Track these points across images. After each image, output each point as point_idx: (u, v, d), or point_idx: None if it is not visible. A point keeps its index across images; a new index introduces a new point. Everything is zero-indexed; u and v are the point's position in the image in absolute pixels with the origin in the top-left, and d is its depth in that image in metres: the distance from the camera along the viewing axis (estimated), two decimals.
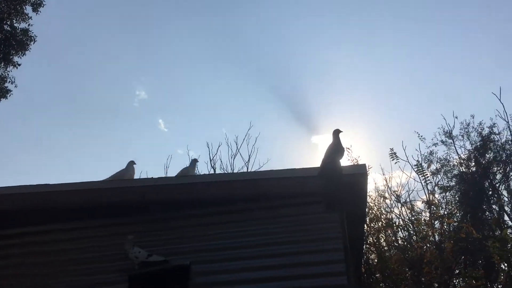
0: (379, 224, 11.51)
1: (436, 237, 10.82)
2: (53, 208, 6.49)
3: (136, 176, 7.45)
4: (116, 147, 27.02)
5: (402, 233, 11.85)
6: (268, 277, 5.66)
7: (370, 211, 11.55)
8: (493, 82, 25.18)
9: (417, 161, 11.45)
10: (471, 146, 16.68)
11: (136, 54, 27.13)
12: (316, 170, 5.68)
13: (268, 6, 26.84)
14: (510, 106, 23.15)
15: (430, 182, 11.70)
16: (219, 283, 5.76)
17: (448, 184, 15.69)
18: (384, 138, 24.44)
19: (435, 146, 16.96)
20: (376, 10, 24.71)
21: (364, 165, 6.21)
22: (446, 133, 16.72)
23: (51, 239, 6.57)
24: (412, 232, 11.53)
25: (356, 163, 10.75)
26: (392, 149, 11.05)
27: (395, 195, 12.01)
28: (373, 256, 11.59)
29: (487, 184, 16.12)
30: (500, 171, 16.37)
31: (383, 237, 11.61)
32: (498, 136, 16.36)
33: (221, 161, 14.74)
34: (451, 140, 16.73)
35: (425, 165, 12.08)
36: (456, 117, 18.16)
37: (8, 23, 17.37)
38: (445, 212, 13.23)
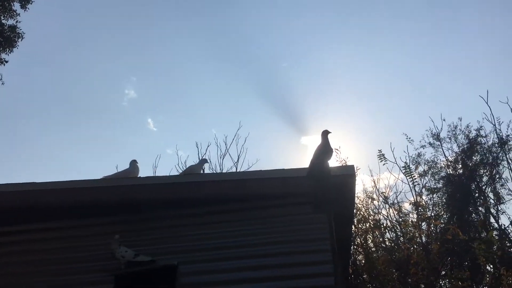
0: (367, 225, 11.59)
1: (423, 238, 10.92)
2: (39, 207, 6.41)
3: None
4: (104, 146, 26.78)
5: (390, 234, 11.95)
6: (255, 277, 5.65)
7: (358, 212, 11.62)
8: (481, 85, 25.38)
9: (405, 163, 11.56)
10: (458, 149, 16.81)
11: (126, 53, 26.89)
12: (304, 171, 5.69)
13: (257, 6, 26.84)
14: (496, 109, 23.44)
15: (418, 184, 11.84)
16: (207, 284, 5.73)
17: (435, 186, 15.81)
18: (372, 140, 24.56)
19: (423, 148, 17.05)
20: (376, 10, 24.79)
21: (352, 166, 6.25)
22: (434, 136, 16.83)
23: (37, 238, 6.49)
24: (399, 233, 11.62)
25: (344, 164, 10.82)
26: (380, 151, 11.14)
27: (383, 197, 12.11)
28: (360, 257, 11.65)
29: (473, 186, 16.25)
30: (487, 174, 16.52)
31: (370, 238, 11.70)
32: (485, 139, 16.51)
33: (210, 161, 14.67)
34: (438, 143, 16.85)
35: (413, 167, 12.21)
36: (444, 120, 18.27)
37: None
38: (432, 214, 13.36)
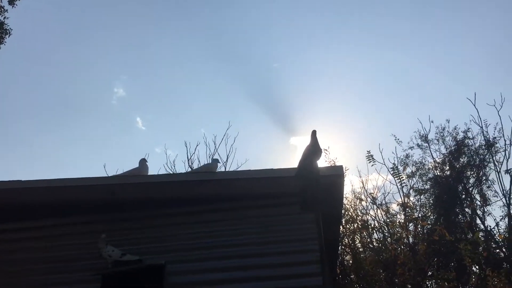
0: (355, 226, 11.64)
1: (410, 239, 10.99)
2: (25, 205, 6.35)
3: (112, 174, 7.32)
4: (92, 144, 26.55)
5: (377, 235, 12.01)
6: (244, 277, 5.65)
7: (346, 213, 11.67)
8: (470, 87, 25.68)
9: (393, 164, 11.67)
10: (446, 150, 16.95)
11: (117, 52, 26.74)
12: (293, 171, 5.69)
13: (248, 7, 26.84)
14: (484, 111, 23.68)
15: (406, 185, 11.92)
16: (194, 283, 5.71)
17: (422, 187, 15.94)
18: (361, 141, 24.68)
19: (411, 150, 17.17)
20: (375, 10, 24.89)
21: (341, 167, 6.27)
22: (422, 137, 16.95)
23: (23, 237, 6.44)
24: (386, 234, 11.69)
25: (333, 165, 10.85)
26: (369, 152, 11.23)
27: (371, 197, 12.19)
28: (348, 257, 11.71)
29: (460, 187, 16.40)
30: (473, 175, 16.67)
31: (358, 239, 11.76)
32: (472, 141, 16.67)
33: (199, 161, 14.63)
34: (426, 144, 16.98)
35: (401, 168, 12.32)
36: (432, 121, 18.49)
37: None
38: (419, 215, 13.46)
